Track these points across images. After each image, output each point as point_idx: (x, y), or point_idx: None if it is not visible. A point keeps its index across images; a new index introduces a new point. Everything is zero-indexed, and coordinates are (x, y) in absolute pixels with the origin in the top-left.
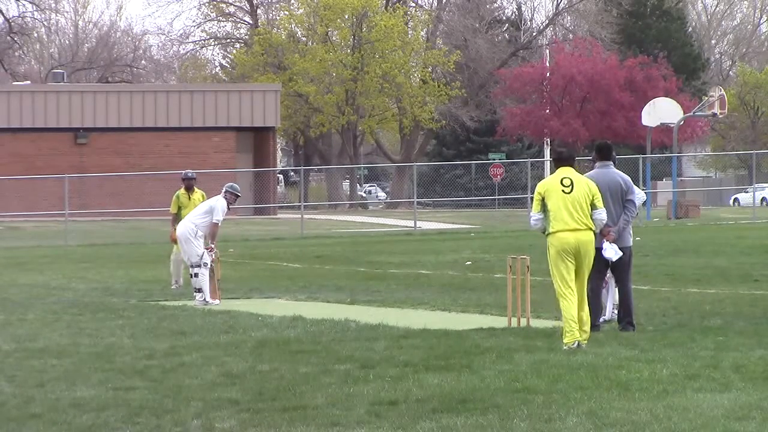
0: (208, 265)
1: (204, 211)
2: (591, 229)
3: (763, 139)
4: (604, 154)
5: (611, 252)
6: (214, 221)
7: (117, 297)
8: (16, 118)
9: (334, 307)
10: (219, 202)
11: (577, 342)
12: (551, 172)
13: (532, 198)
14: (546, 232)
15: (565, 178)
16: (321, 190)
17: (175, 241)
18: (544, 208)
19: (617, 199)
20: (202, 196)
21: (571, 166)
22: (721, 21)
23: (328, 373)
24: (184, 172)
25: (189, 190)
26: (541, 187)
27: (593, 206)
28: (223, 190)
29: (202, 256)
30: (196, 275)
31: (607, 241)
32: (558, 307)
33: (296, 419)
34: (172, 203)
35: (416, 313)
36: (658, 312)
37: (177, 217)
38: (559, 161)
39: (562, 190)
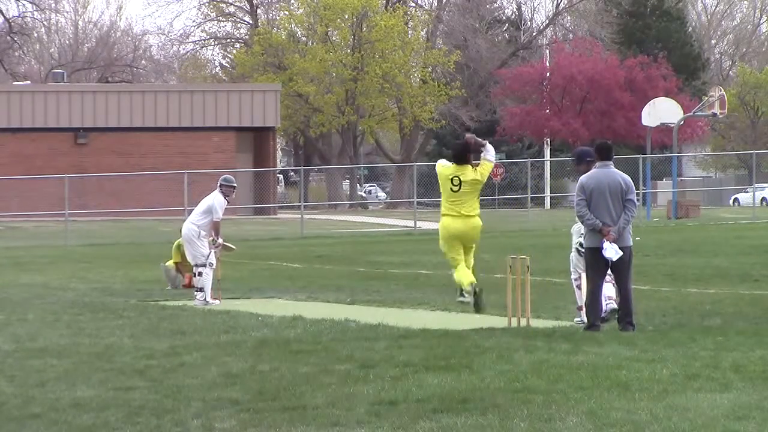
0: (213, 266)
1: (203, 210)
2: (476, 215)
3: (763, 139)
4: (604, 154)
5: (611, 252)
6: (214, 219)
7: (117, 297)
8: (16, 118)
9: (334, 307)
10: (216, 200)
11: (471, 286)
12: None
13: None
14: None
15: (455, 177)
16: (321, 190)
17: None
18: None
19: (617, 199)
20: None
21: (468, 162)
22: (721, 21)
23: (328, 373)
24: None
25: None
26: (441, 168)
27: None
28: (218, 185)
29: (208, 256)
30: (200, 274)
31: (607, 240)
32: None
33: (296, 419)
34: (173, 252)
35: (416, 313)
36: (658, 312)
37: (181, 264)
38: (454, 157)
39: (451, 188)
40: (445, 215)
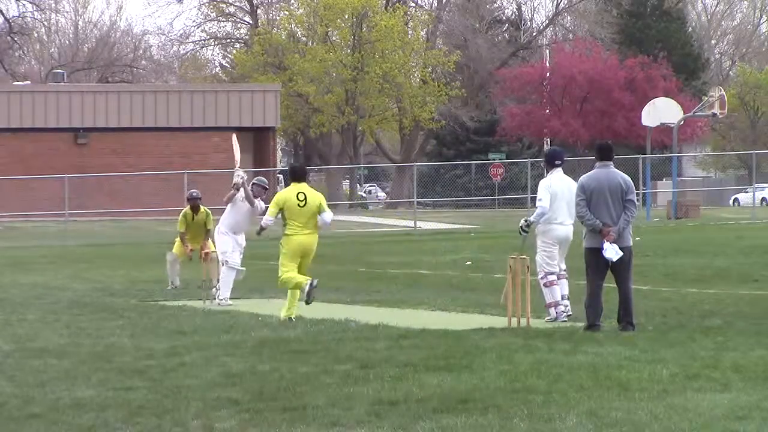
0: (229, 264)
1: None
2: (315, 232)
3: (763, 139)
4: (604, 154)
5: (611, 252)
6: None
7: (117, 297)
8: (16, 118)
9: (334, 307)
10: (259, 205)
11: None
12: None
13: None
14: (283, 233)
15: (300, 193)
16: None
17: (191, 257)
18: (281, 214)
19: (617, 199)
20: (207, 214)
21: (305, 181)
22: (721, 21)
23: (328, 373)
24: (189, 192)
25: (194, 210)
26: (280, 197)
27: (321, 211)
28: (251, 184)
29: (225, 253)
30: (225, 263)
31: (607, 241)
32: (287, 288)
33: (296, 419)
34: (179, 222)
35: (416, 313)
36: (658, 312)
37: (186, 235)
38: (294, 177)
39: (298, 204)
40: (291, 235)
